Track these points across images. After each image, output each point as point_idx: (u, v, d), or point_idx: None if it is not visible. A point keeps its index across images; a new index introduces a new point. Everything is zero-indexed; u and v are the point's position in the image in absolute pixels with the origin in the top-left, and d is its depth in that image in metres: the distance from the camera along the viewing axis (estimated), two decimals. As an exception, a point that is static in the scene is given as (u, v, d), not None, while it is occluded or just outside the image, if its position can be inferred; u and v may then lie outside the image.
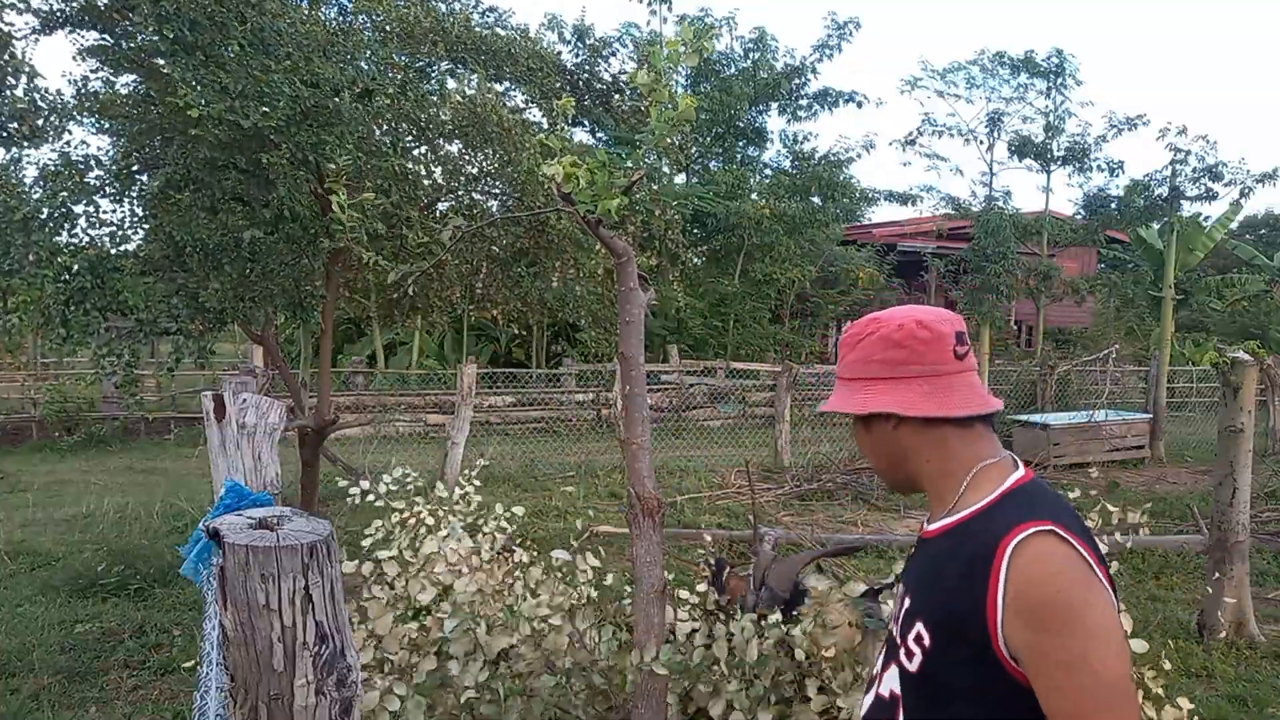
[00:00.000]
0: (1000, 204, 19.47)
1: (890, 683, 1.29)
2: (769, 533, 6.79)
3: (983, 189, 20.03)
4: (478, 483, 3.75)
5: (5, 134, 4.90)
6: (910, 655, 1.23)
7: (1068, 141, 18.52)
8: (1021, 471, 1.26)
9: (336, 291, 6.39)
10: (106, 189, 5.38)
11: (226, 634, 1.41)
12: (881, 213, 35.68)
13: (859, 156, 21.22)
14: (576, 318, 7.87)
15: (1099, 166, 18.36)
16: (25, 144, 5.01)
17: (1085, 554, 1.13)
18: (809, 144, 20.47)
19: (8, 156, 5.08)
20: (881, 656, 1.36)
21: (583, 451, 11.19)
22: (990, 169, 19.87)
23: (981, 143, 19.54)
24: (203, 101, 4.42)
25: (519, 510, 3.59)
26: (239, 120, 4.50)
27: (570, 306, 7.62)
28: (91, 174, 5.21)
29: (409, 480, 3.65)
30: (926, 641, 1.21)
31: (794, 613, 2.77)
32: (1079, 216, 19.57)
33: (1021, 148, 18.65)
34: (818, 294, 20.94)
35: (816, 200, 18.78)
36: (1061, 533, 1.13)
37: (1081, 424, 11.30)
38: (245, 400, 2.38)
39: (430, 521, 3.31)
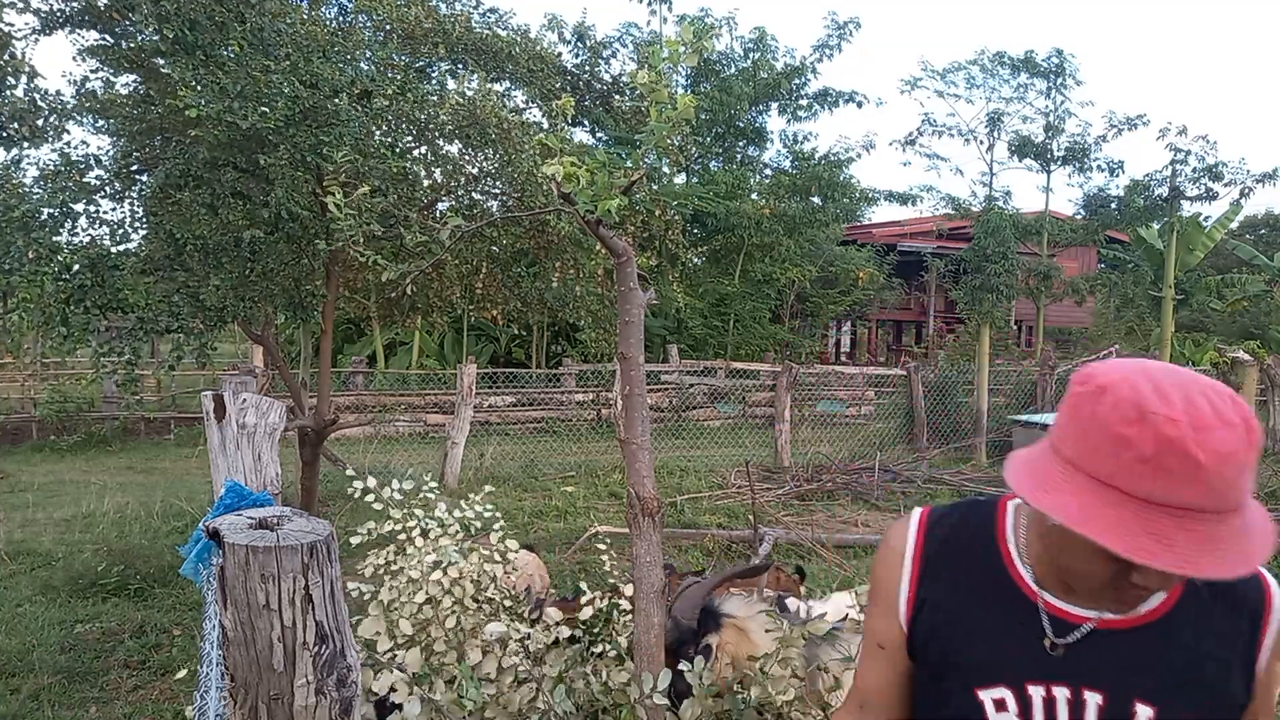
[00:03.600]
0: (1000, 204, 19.48)
1: None
2: (769, 533, 6.81)
3: (983, 189, 20.06)
4: (478, 509, 3.27)
5: (5, 134, 4.90)
6: None
7: (1068, 141, 18.53)
8: None
9: (336, 291, 6.38)
10: (106, 188, 5.38)
11: (226, 634, 1.41)
12: (881, 213, 35.68)
13: (859, 156, 21.20)
14: (576, 318, 7.85)
15: (1099, 166, 18.39)
16: (25, 144, 5.01)
17: None
18: (809, 144, 20.47)
19: (8, 157, 5.08)
20: None
21: (583, 451, 11.19)
22: (990, 169, 19.89)
23: (981, 143, 19.56)
24: (201, 102, 4.42)
25: (514, 545, 3.24)
26: (237, 121, 4.50)
27: (570, 306, 7.60)
28: (91, 173, 5.20)
29: (424, 488, 3.24)
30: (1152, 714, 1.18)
31: (706, 642, 2.67)
32: (1079, 216, 19.58)
33: (1021, 148, 18.66)
34: (818, 294, 20.96)
35: (816, 200, 18.77)
36: None
37: (1081, 424, 11.26)
38: (245, 400, 2.38)
39: (420, 542, 3.00)
